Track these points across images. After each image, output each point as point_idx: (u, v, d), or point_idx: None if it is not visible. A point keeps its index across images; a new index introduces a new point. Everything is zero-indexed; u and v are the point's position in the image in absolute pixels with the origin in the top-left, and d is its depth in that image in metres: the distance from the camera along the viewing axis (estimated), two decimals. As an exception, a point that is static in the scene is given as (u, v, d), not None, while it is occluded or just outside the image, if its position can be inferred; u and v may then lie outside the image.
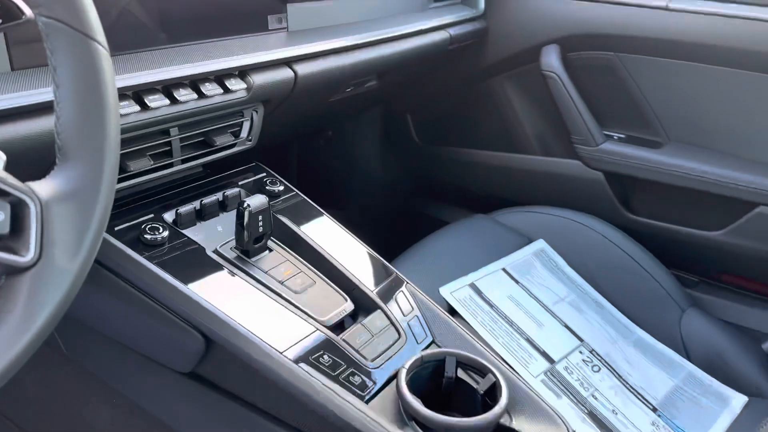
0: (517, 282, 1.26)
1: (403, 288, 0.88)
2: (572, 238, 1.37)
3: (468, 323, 1.10)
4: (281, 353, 0.70)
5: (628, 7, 1.35)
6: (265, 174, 0.99)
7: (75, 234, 0.49)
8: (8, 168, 0.50)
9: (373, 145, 1.77)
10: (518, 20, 1.47)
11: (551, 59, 1.43)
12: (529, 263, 1.31)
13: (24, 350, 0.47)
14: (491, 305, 1.17)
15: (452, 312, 1.12)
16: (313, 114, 1.29)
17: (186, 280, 0.74)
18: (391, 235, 1.75)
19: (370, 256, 0.92)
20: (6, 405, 1.09)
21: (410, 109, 1.71)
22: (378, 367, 0.75)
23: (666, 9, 1.31)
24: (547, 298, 1.25)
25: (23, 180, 0.48)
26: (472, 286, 1.20)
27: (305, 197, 0.97)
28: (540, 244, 1.36)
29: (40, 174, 0.50)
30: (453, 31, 1.37)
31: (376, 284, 0.86)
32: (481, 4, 1.47)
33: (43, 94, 0.65)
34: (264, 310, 0.75)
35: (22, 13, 0.54)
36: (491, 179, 1.65)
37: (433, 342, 0.82)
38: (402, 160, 1.79)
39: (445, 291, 1.15)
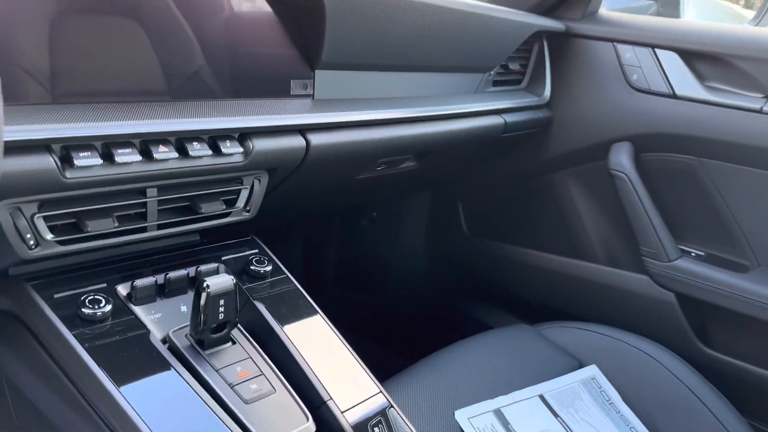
0: (555, 414, 1.04)
1: (387, 412, 0.71)
2: (631, 368, 1.15)
3: (482, 461, 0.90)
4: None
5: (716, 107, 1.17)
6: (256, 250, 0.86)
7: None
8: None
9: (418, 232, 1.63)
10: (587, 112, 1.32)
11: (621, 158, 1.26)
12: (575, 392, 1.10)
13: None
14: (516, 440, 0.96)
15: (466, 443, 0.92)
16: (338, 190, 1.17)
17: (114, 373, 0.61)
18: (426, 332, 1.57)
19: (355, 364, 0.76)
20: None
21: (461, 197, 1.57)
22: None
23: (760, 112, 1.12)
24: (590, 439, 1.02)
25: None
26: (497, 413, 1.00)
27: (296, 284, 0.84)
28: (591, 370, 1.15)
29: None
30: (508, 118, 1.23)
31: (353, 402, 0.70)
32: (547, 92, 1.34)
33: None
34: (195, 424, 0.61)
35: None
36: (544, 284, 1.45)
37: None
38: (448, 251, 1.64)
39: (462, 416, 0.96)
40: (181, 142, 0.73)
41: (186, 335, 0.69)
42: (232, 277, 0.68)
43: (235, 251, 0.85)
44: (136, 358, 0.64)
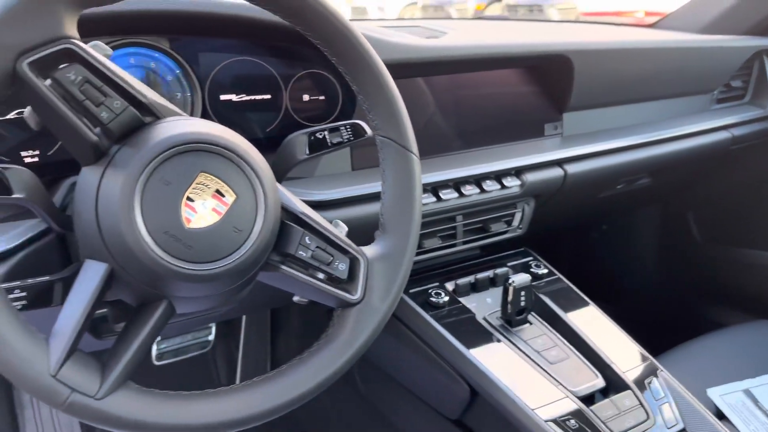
0: (806, 398, 1.14)
1: (658, 374, 0.92)
2: None
3: (737, 429, 1.04)
4: (534, 410, 0.81)
5: None
6: (531, 257, 1.13)
7: (386, 284, 0.68)
8: (348, 236, 0.73)
9: (649, 242, 1.77)
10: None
11: None
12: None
13: (342, 366, 0.67)
14: (770, 416, 1.09)
15: (720, 416, 1.07)
16: (583, 208, 1.40)
17: (460, 338, 0.91)
18: (662, 334, 1.70)
19: (627, 341, 0.98)
20: (310, 425, 1.37)
21: (692, 207, 1.69)
22: (623, 442, 0.81)
23: None
24: None
25: (357, 245, 0.70)
26: (747, 392, 1.13)
27: (568, 282, 1.08)
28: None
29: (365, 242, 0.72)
30: (736, 132, 1.36)
31: (629, 366, 0.92)
32: (771, 104, 1.44)
33: (373, 187, 0.90)
34: (522, 373, 0.88)
35: (365, 132, 0.79)
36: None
37: (683, 430, 0.84)
38: (680, 259, 1.75)
39: (714, 393, 1.11)
40: (478, 181, 1.02)
41: (497, 317, 0.97)
42: (529, 276, 0.95)
43: (516, 259, 1.12)
44: (471, 330, 0.94)
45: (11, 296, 0.66)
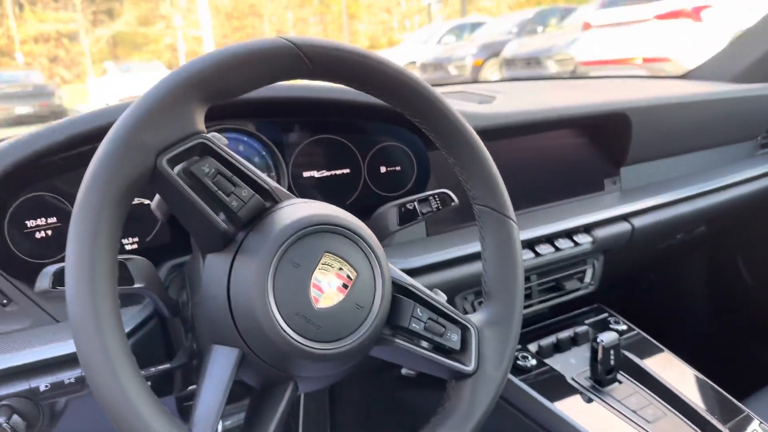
0: None
1: (756, 426, 0.90)
2: None
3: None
4: (644, 474, 0.79)
5: None
6: (607, 314, 1.12)
7: (499, 352, 0.68)
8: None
9: (699, 288, 1.76)
10: None
11: None
12: None
13: None
14: None
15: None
16: (644, 259, 1.40)
17: (554, 401, 0.90)
18: (727, 380, 1.67)
19: (717, 392, 0.96)
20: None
21: (740, 250, 1.68)
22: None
23: None
24: None
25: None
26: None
27: (647, 335, 1.07)
28: None
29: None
30: (787, 175, 1.37)
31: (726, 419, 0.90)
32: (816, 146, 1.45)
33: (450, 253, 0.91)
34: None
35: (453, 200, 0.80)
36: None
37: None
38: (731, 301, 1.73)
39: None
40: (550, 239, 1.03)
41: (586, 378, 0.96)
42: (616, 334, 0.94)
43: (592, 316, 1.12)
44: (564, 392, 0.92)
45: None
